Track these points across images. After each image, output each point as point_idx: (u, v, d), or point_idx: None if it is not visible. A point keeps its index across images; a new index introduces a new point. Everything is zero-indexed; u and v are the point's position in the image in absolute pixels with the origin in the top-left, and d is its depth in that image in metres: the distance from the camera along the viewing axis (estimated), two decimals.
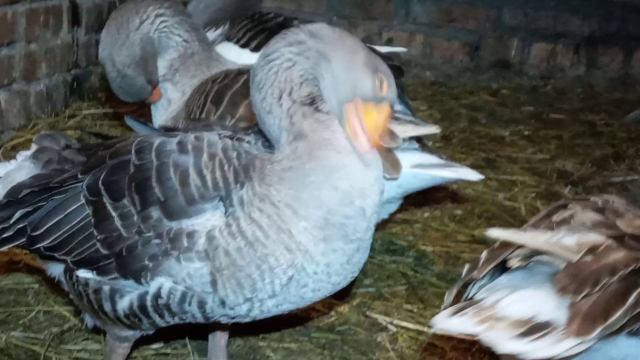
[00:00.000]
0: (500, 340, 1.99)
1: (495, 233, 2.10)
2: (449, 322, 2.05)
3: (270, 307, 2.48)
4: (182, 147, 2.41)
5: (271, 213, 2.34)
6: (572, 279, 2.00)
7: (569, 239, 2.10)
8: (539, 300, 2.06)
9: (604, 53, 6.84)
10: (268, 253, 2.35)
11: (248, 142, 2.47)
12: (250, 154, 2.42)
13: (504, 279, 2.18)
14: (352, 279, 2.54)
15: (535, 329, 2.01)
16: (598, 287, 1.98)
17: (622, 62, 6.81)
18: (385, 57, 3.99)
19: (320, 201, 2.33)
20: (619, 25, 6.77)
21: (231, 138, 2.47)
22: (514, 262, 2.13)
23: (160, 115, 3.69)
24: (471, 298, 2.20)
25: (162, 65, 3.60)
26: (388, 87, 2.37)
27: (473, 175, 3.41)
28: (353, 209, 2.36)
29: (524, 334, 2.00)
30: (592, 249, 2.06)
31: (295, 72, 2.37)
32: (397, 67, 3.77)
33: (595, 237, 2.11)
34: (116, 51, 3.55)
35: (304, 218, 2.34)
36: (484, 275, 2.24)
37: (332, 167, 2.34)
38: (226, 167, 2.38)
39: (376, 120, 2.36)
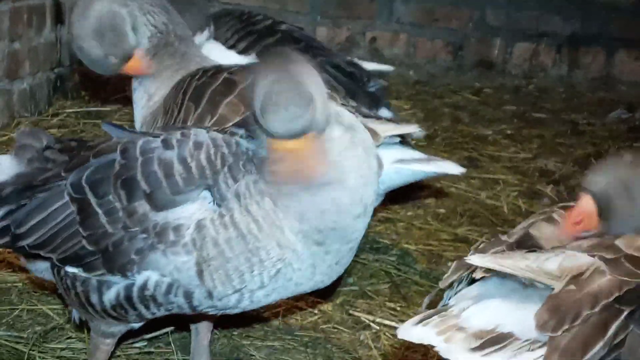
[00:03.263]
0: (457, 352, 1.98)
1: (476, 260, 2.07)
2: (412, 332, 2.06)
3: (260, 297, 2.49)
4: (166, 144, 2.44)
5: (268, 209, 2.36)
6: (552, 314, 1.97)
7: (550, 263, 2.07)
8: (503, 311, 2.05)
9: (586, 53, 6.89)
10: (260, 246, 2.37)
11: (241, 136, 2.49)
12: (247, 148, 2.43)
13: (476, 287, 2.17)
14: (336, 278, 2.56)
15: (496, 340, 2.01)
16: (578, 321, 1.96)
17: (604, 62, 6.86)
18: (373, 75, 4.06)
19: (335, 204, 2.35)
20: (600, 25, 6.82)
21: (223, 132, 2.49)
22: (478, 274, 2.13)
23: (140, 109, 3.67)
24: (445, 305, 2.22)
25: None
26: (270, 118, 2.26)
27: (455, 169, 3.42)
28: (361, 206, 2.38)
29: (482, 346, 2.00)
30: (576, 276, 2.03)
31: None
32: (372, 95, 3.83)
33: (581, 261, 2.08)
34: (73, 23, 3.54)
35: (307, 222, 2.36)
36: (461, 282, 2.26)
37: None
38: (213, 155, 2.40)
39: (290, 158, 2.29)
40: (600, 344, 1.96)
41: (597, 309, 1.98)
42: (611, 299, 1.99)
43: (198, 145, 2.42)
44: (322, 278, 2.49)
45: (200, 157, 2.40)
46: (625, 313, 1.99)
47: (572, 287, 2.01)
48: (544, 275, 2.05)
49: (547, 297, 2.02)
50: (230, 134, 2.49)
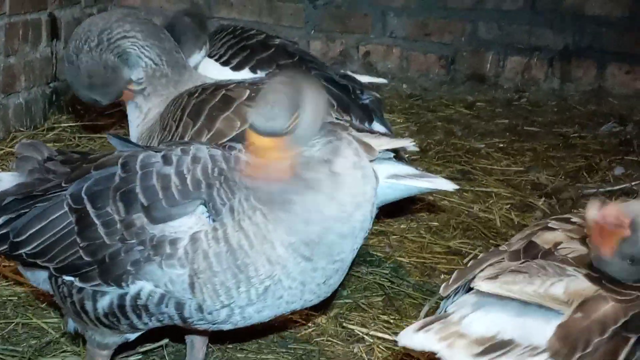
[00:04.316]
0: (460, 358, 2.01)
1: (484, 286, 2.10)
2: (413, 338, 2.07)
3: (252, 314, 2.52)
4: (166, 160, 2.47)
5: (260, 222, 2.38)
6: (563, 343, 2.00)
7: (556, 288, 2.09)
8: (503, 317, 2.07)
9: (578, 66, 6.93)
10: (249, 262, 2.39)
11: (239, 150, 2.52)
12: (246, 162, 2.46)
13: (475, 294, 2.19)
14: (325, 298, 2.58)
15: (498, 346, 2.03)
16: (589, 349, 1.98)
17: (595, 75, 6.90)
18: (367, 87, 4.11)
19: (322, 215, 2.37)
20: (592, 39, 6.86)
21: (222, 147, 2.53)
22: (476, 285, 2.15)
23: (135, 127, 3.72)
24: (444, 312, 2.23)
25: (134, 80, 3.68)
26: (254, 111, 2.36)
27: (448, 185, 3.45)
28: (349, 226, 2.40)
29: (486, 352, 2.02)
30: (582, 303, 2.05)
31: None
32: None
33: (583, 285, 2.10)
34: (66, 71, 3.73)
35: (294, 234, 2.38)
36: (457, 291, 2.27)
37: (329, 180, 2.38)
38: (210, 170, 2.44)
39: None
40: None
41: (605, 337, 2.00)
42: (618, 325, 2.01)
43: (196, 160, 2.46)
44: (310, 297, 2.51)
45: (196, 171, 2.43)
46: (633, 340, 2.01)
47: (579, 314, 2.03)
48: (551, 301, 2.07)
49: (557, 326, 2.04)
50: (228, 148, 2.53)
